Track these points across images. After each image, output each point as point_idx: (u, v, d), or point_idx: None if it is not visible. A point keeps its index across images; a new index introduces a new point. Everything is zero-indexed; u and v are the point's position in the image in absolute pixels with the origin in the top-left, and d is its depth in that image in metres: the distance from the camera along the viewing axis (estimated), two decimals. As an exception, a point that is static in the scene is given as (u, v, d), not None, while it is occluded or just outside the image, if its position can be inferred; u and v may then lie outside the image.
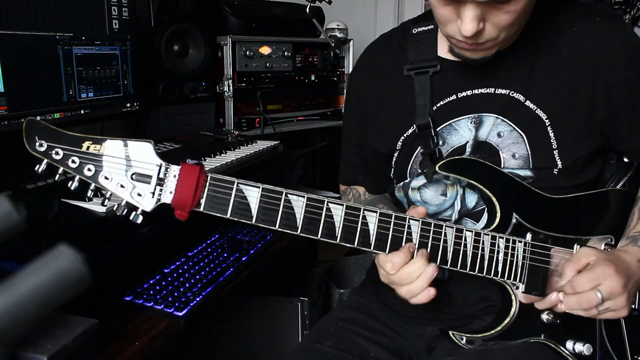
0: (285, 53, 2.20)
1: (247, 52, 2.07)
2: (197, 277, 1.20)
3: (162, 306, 1.06)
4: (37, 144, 0.77)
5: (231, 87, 2.05)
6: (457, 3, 0.86)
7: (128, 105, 1.61)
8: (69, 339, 0.74)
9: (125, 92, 1.58)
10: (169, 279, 1.18)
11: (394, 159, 1.13)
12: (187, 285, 1.16)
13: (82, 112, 1.45)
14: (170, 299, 1.09)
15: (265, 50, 2.14)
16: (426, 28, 1.10)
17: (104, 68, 1.50)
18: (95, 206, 1.02)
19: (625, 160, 1.12)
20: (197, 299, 1.11)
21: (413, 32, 1.11)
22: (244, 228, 1.50)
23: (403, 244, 0.90)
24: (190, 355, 1.77)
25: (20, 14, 1.25)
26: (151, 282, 1.16)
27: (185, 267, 1.24)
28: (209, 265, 1.26)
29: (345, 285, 2.22)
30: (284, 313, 1.78)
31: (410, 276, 0.89)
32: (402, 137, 1.10)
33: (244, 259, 1.33)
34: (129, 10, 1.56)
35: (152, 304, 1.07)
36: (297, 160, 1.98)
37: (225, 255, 1.33)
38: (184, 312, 1.06)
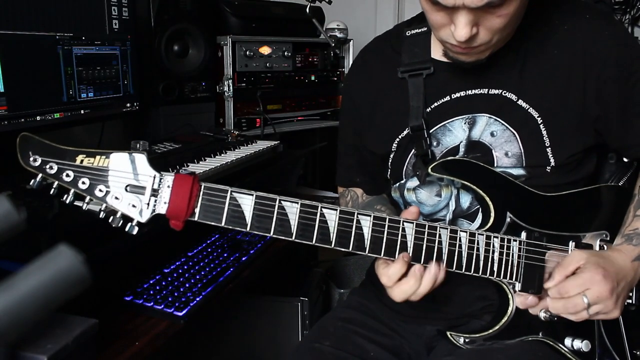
0: (285, 53, 2.20)
1: (247, 52, 2.07)
2: (197, 277, 1.20)
3: (162, 306, 1.07)
4: (31, 159, 0.77)
5: (231, 87, 2.05)
6: (450, 9, 0.86)
7: (128, 105, 1.61)
8: (69, 339, 0.74)
9: (125, 92, 1.59)
10: (169, 279, 1.18)
11: (390, 161, 1.14)
12: (187, 285, 1.16)
13: (82, 112, 1.45)
14: (170, 299, 1.09)
15: (265, 50, 2.14)
16: (419, 30, 1.10)
17: (104, 68, 1.50)
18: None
19: (625, 160, 1.12)
20: (197, 299, 1.11)
21: (407, 34, 1.11)
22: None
23: (398, 247, 0.90)
24: (190, 355, 1.77)
25: (20, 14, 1.25)
26: (151, 282, 1.16)
27: (185, 267, 1.24)
28: (209, 265, 1.26)
29: (345, 285, 2.22)
30: (284, 313, 1.78)
31: (407, 292, 0.91)
32: (397, 139, 1.11)
33: (244, 259, 1.33)
34: (129, 10, 1.56)
35: (152, 304, 1.07)
36: (297, 160, 1.98)
37: (225, 255, 1.33)
38: (184, 312, 1.06)
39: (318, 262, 2.31)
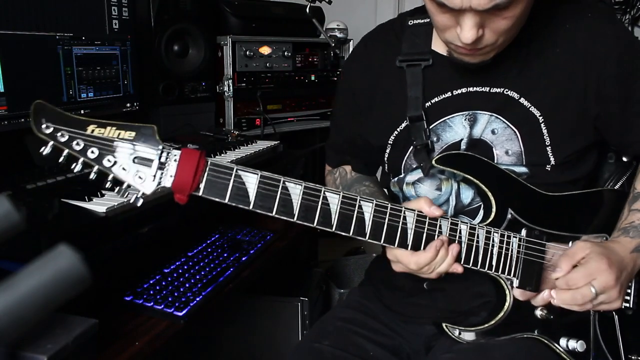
0: (285, 53, 2.20)
1: (247, 52, 2.07)
2: (197, 277, 1.20)
3: (162, 306, 1.07)
4: (44, 126, 0.77)
5: (231, 87, 2.05)
6: (456, 11, 0.86)
7: (128, 105, 1.61)
8: (69, 339, 0.74)
9: (125, 92, 1.59)
10: (169, 279, 1.18)
11: (387, 155, 1.13)
12: (187, 285, 1.16)
13: (82, 112, 1.45)
14: (170, 299, 1.09)
15: (265, 50, 2.14)
16: (422, 21, 1.10)
17: (104, 68, 1.50)
18: (95, 206, 1.03)
19: (624, 159, 1.12)
20: (197, 299, 1.11)
21: (409, 24, 1.11)
22: (244, 228, 1.51)
23: (398, 234, 0.91)
24: (190, 355, 1.77)
25: (20, 14, 1.25)
26: (151, 282, 1.16)
27: (185, 267, 1.24)
28: (209, 265, 1.26)
29: (345, 285, 2.22)
30: (284, 313, 1.78)
31: (433, 267, 0.92)
32: (395, 132, 1.10)
33: (244, 259, 1.33)
34: (129, 10, 1.56)
35: (152, 304, 1.07)
36: (297, 160, 1.98)
37: (225, 255, 1.33)
38: (184, 312, 1.06)
39: (318, 262, 2.31)
